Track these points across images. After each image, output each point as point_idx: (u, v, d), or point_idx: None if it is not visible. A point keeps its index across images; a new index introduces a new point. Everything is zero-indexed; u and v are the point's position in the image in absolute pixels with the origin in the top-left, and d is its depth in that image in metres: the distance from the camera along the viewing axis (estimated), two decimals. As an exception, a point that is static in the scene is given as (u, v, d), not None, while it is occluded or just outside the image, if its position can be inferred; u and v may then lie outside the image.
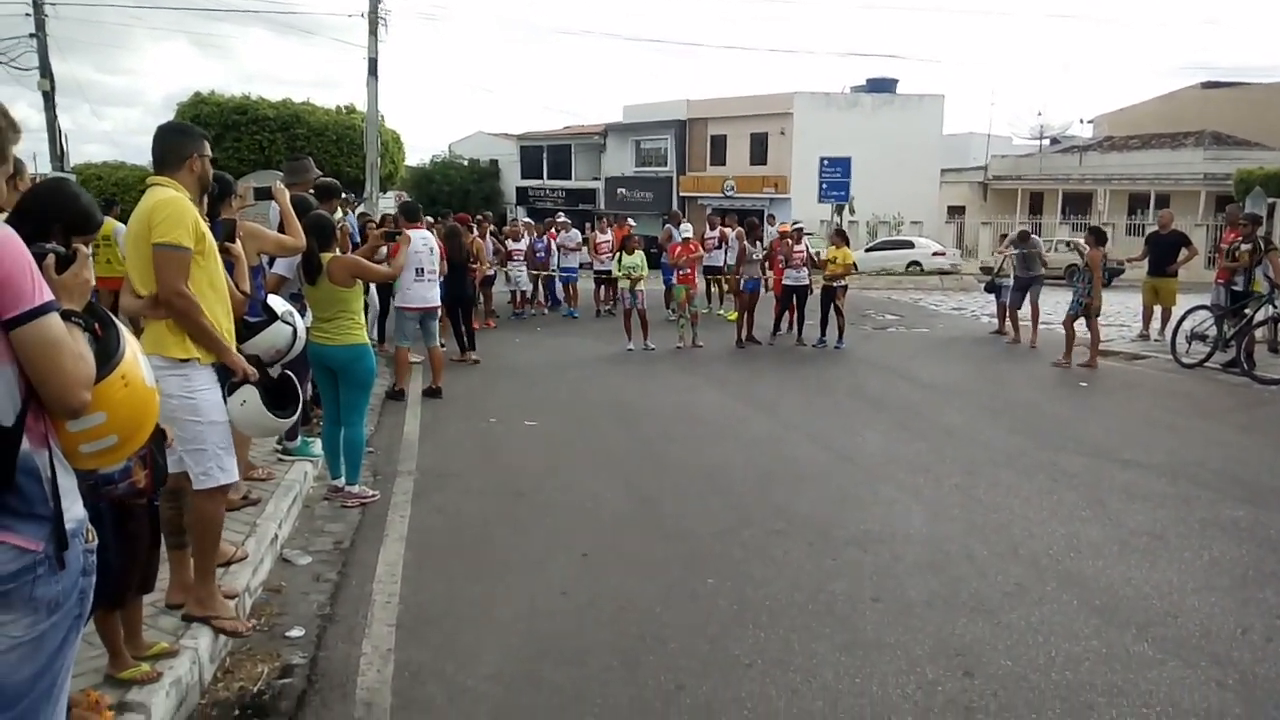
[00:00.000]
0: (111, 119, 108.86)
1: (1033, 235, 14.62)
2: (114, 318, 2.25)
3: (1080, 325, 11.73)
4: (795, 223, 14.94)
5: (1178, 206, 28.30)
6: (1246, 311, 10.95)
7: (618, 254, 13.81)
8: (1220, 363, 11.06)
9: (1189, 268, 13.72)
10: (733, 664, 3.85)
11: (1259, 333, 11.10)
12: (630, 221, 17.02)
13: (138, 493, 3.22)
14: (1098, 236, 11.84)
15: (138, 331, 3.40)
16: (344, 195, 7.55)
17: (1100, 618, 4.29)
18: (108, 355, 2.13)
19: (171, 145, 3.77)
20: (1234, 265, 11.55)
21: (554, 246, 17.38)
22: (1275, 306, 10.85)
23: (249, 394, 3.85)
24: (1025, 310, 14.04)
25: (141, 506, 3.27)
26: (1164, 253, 13.21)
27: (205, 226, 3.75)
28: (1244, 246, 11.37)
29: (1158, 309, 13.53)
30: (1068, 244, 22.68)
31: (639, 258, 13.28)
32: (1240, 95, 39.12)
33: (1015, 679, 3.72)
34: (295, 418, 4.22)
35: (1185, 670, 3.79)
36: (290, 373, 4.30)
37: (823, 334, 13.42)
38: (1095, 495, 6.22)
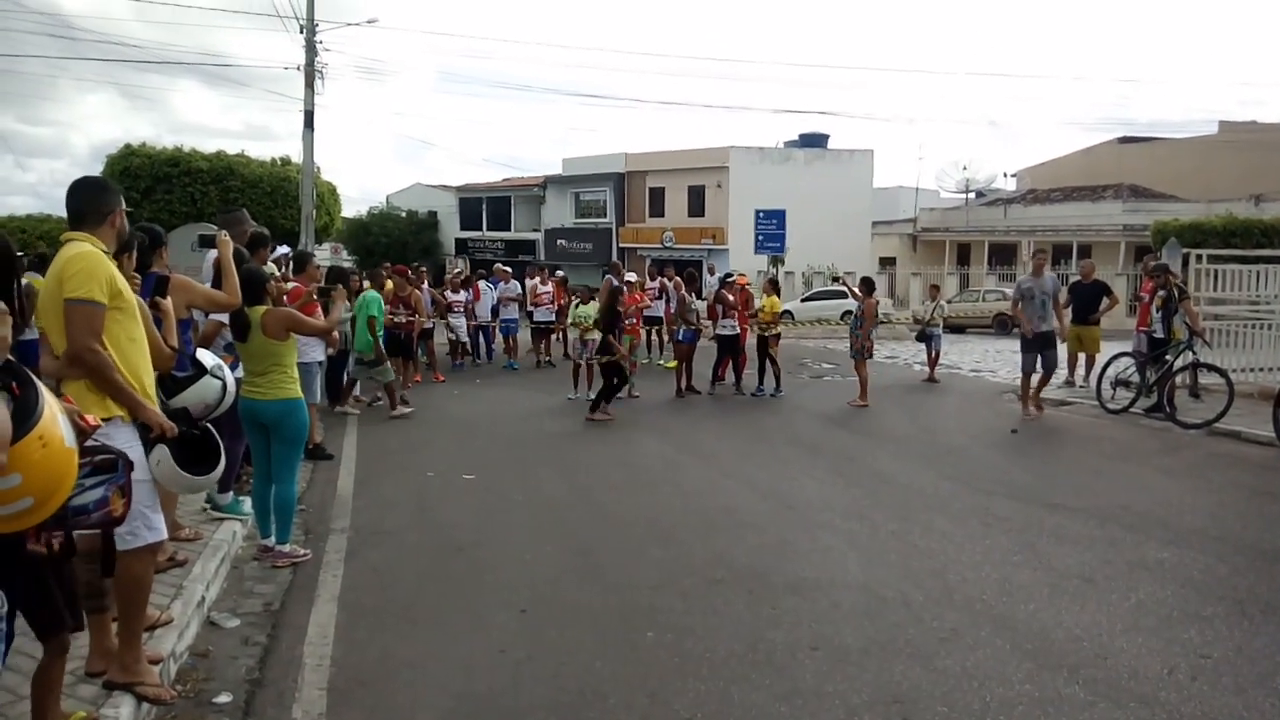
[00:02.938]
0: (36, 171, 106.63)
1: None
2: (33, 376, 2.20)
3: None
4: (728, 275, 15.20)
5: (1099, 257, 29.38)
6: (1167, 358, 11.35)
7: (574, 303, 13.88)
8: (1144, 408, 11.42)
9: (1111, 316, 14.20)
10: (673, 718, 3.82)
11: (1179, 379, 11.49)
12: (559, 273, 17.15)
13: (112, 521, 3.11)
14: (869, 286, 13.52)
15: (58, 393, 3.31)
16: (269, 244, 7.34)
17: (1033, 661, 4.35)
18: (25, 415, 2.08)
19: (92, 201, 3.71)
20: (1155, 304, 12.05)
21: (481, 297, 17.22)
22: (1194, 353, 11.26)
23: (163, 452, 3.75)
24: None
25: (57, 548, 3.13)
26: (1087, 302, 13.69)
27: (122, 281, 3.67)
28: (1160, 294, 11.81)
29: (1082, 356, 13.97)
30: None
31: (592, 308, 13.37)
32: (1155, 150, 41.03)
33: (952, 725, 3.74)
34: (214, 474, 4.09)
35: (1115, 711, 3.86)
36: (211, 428, 4.19)
37: (760, 383, 13.58)
38: (1026, 539, 6.34)
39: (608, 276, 16.65)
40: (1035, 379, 11.74)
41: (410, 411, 11.57)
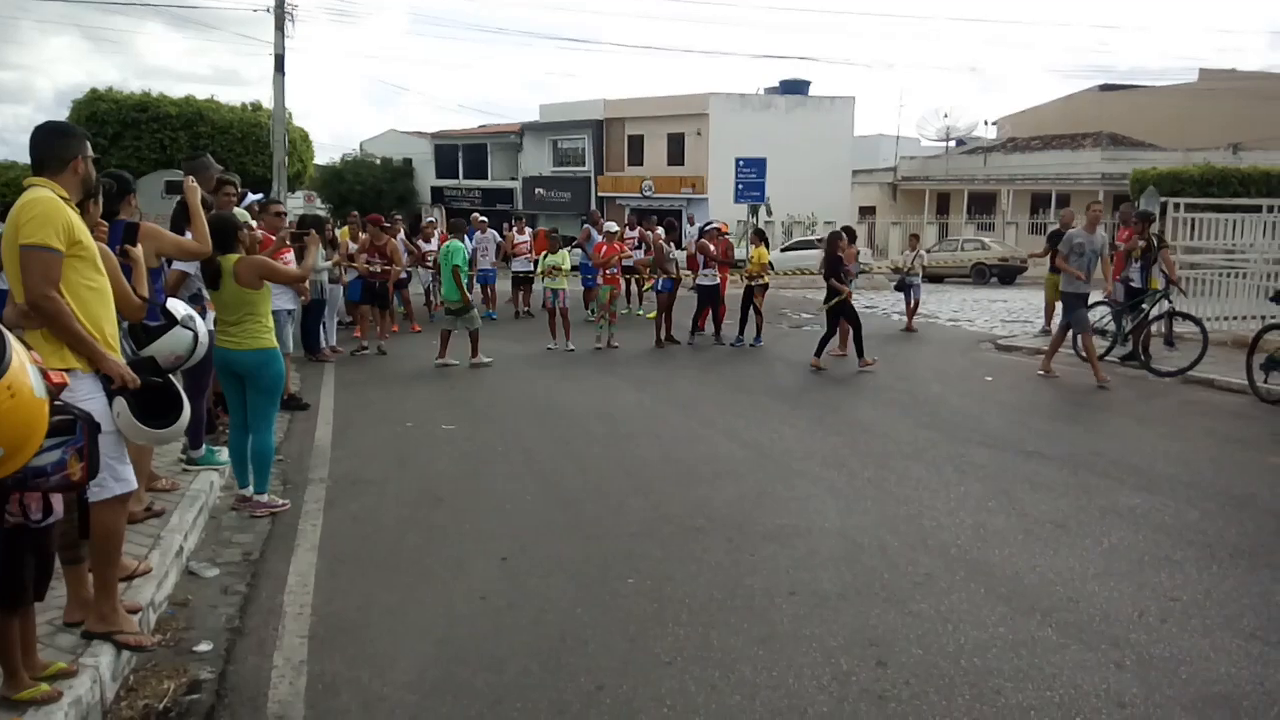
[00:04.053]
0: (0, 116, 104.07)
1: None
2: (0, 327, 2.15)
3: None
4: (710, 223, 15.12)
5: (1077, 205, 29.36)
6: (1144, 307, 11.42)
7: (544, 253, 13.73)
8: (1119, 356, 11.52)
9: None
10: (652, 662, 3.86)
11: (1154, 327, 11.58)
12: (551, 229, 16.95)
13: (72, 485, 3.07)
14: (850, 235, 13.01)
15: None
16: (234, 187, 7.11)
17: (1006, 605, 4.43)
18: (-9, 364, 2.04)
19: (54, 147, 3.61)
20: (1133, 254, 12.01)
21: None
22: (1170, 302, 11.34)
23: (121, 404, 3.68)
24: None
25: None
26: (1065, 250, 13.71)
27: (81, 228, 3.58)
28: (1139, 243, 11.85)
29: (1059, 304, 14.01)
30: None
31: (563, 257, 13.27)
32: (1134, 98, 40.94)
33: (926, 667, 3.81)
34: (177, 427, 4.01)
35: (1086, 653, 3.94)
36: (173, 380, 4.10)
37: (741, 333, 13.59)
38: (1001, 486, 6.42)
39: (586, 226, 16.55)
40: (1079, 340, 11.05)
41: (490, 362, 11.62)
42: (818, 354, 11.64)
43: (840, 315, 11.86)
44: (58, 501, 3.18)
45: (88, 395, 3.54)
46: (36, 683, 3.21)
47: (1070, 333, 11.17)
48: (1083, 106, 41.56)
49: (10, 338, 2.13)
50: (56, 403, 2.88)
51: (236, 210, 6.94)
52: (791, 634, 4.11)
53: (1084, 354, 10.87)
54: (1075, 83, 60.67)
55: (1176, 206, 14.10)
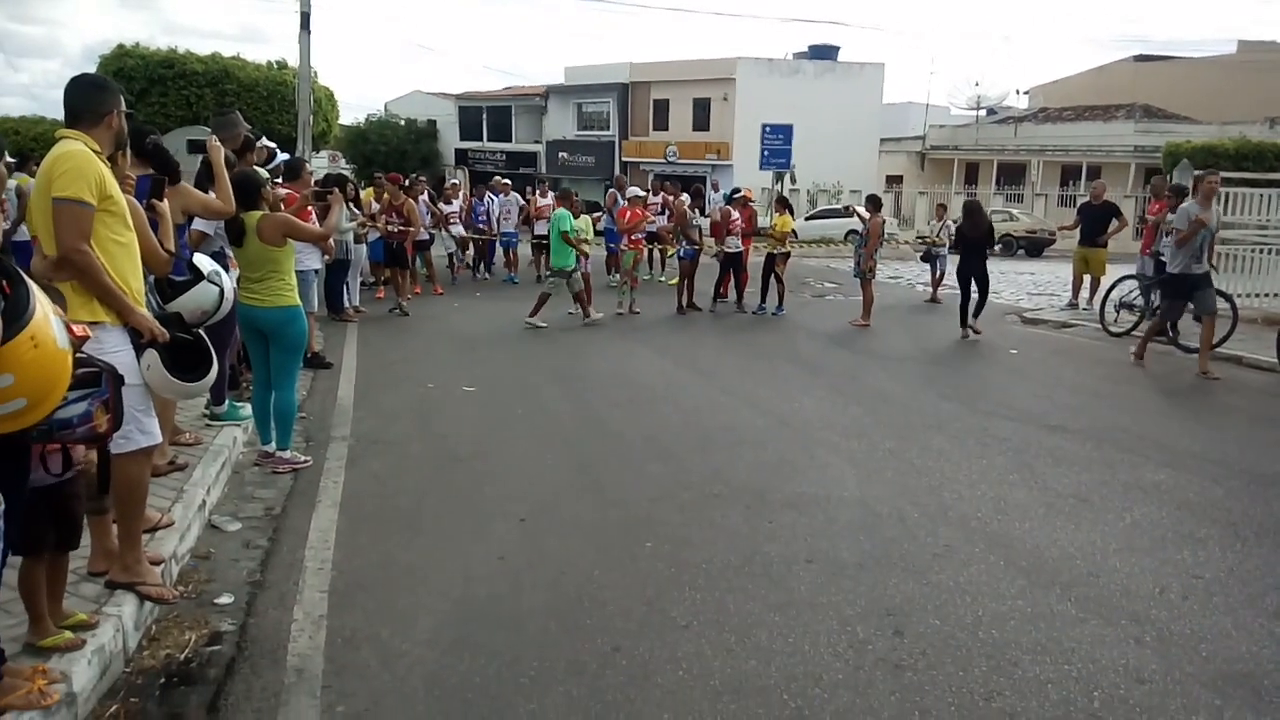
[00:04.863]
0: (29, 71, 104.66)
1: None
2: (24, 275, 2.15)
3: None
4: (737, 191, 14.99)
5: (1108, 178, 28.89)
6: (1173, 282, 11.23)
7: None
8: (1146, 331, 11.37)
9: (1118, 238, 14.06)
10: (669, 625, 3.87)
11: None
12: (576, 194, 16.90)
13: (98, 437, 3.09)
14: (875, 204, 13.07)
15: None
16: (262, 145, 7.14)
17: (1026, 578, 4.40)
18: (16, 314, 2.04)
19: (89, 100, 3.60)
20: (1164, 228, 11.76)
21: (491, 208, 17.06)
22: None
23: (152, 357, 3.70)
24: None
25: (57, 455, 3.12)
26: (1095, 223, 13.52)
27: (113, 182, 3.58)
28: (1170, 217, 11.65)
29: (1087, 278, 13.87)
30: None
31: (585, 222, 13.20)
32: (1170, 69, 40.07)
33: (943, 637, 3.80)
34: (206, 381, 4.04)
35: (1106, 628, 3.92)
36: (203, 334, 4.13)
37: (763, 301, 13.52)
38: (1023, 459, 6.37)
39: (611, 191, 16.44)
40: (1199, 330, 9.76)
41: (600, 317, 11.95)
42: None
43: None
44: (78, 453, 3.20)
45: (116, 348, 3.56)
46: (60, 630, 3.26)
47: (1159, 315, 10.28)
48: (1117, 77, 40.72)
49: (35, 288, 2.13)
50: (80, 355, 2.89)
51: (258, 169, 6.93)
52: (808, 601, 4.11)
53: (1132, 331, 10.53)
54: (1110, 53, 59.73)
55: (1211, 181, 13.80)
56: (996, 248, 12.20)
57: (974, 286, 11.78)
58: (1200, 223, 9.30)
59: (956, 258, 12.67)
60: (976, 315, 11.68)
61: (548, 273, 12.98)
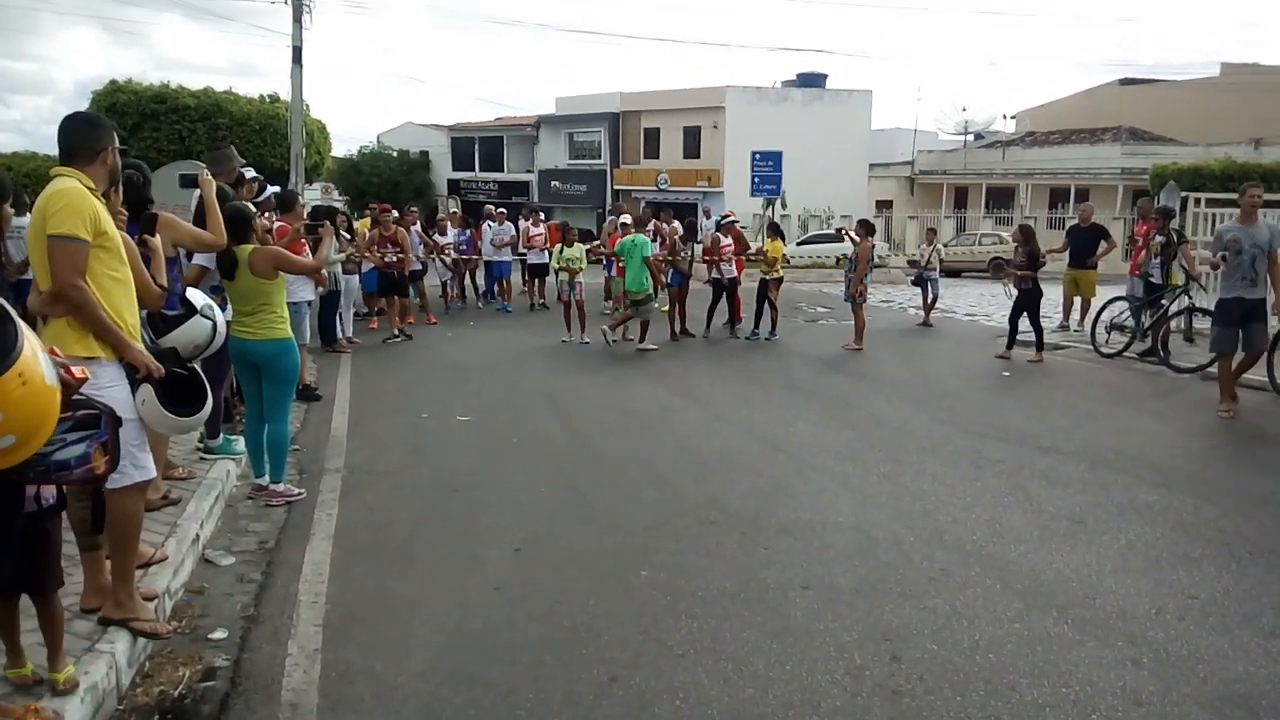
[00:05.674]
0: (21, 107, 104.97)
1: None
2: (10, 312, 2.15)
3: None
4: (726, 216, 15.09)
5: (1096, 200, 29.09)
6: (1163, 303, 11.33)
7: (559, 247, 13.69)
8: (1137, 352, 11.44)
9: (1107, 260, 14.16)
10: (665, 654, 3.86)
11: (1174, 323, 11.48)
12: (563, 220, 17.02)
13: (95, 479, 3.08)
14: (867, 228, 13.15)
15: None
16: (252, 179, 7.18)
17: (1022, 601, 4.40)
18: (4, 352, 2.04)
19: (83, 137, 3.64)
20: (1152, 249, 11.84)
21: (483, 237, 17.13)
22: (1190, 298, 11.23)
23: (148, 392, 3.71)
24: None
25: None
26: (1084, 245, 13.61)
27: (107, 218, 3.61)
28: (1158, 239, 11.76)
29: (1077, 300, 13.94)
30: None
31: (578, 250, 13.26)
32: (1155, 92, 40.46)
33: (941, 662, 3.79)
34: (201, 415, 4.04)
35: (1103, 650, 3.91)
36: (198, 369, 4.14)
37: (756, 326, 13.56)
38: (1017, 481, 6.37)
39: (611, 218, 16.50)
40: (1236, 359, 8.63)
41: (655, 349, 12.07)
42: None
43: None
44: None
45: (111, 383, 3.57)
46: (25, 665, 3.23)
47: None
48: (1103, 100, 41.13)
49: (23, 325, 2.13)
50: (79, 396, 2.89)
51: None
52: (805, 628, 4.10)
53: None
54: (1096, 76, 60.39)
55: (1197, 202, 13.98)
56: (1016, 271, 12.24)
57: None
58: (1234, 243, 8.19)
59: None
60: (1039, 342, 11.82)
61: (631, 299, 12.39)
